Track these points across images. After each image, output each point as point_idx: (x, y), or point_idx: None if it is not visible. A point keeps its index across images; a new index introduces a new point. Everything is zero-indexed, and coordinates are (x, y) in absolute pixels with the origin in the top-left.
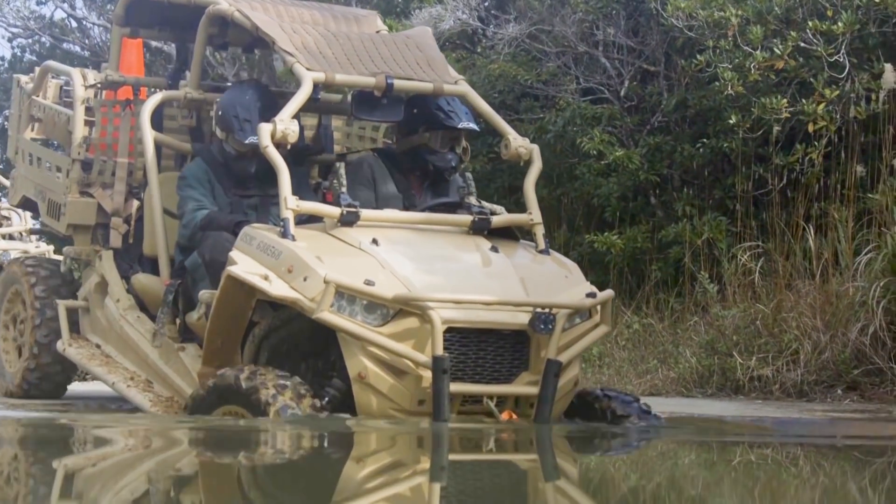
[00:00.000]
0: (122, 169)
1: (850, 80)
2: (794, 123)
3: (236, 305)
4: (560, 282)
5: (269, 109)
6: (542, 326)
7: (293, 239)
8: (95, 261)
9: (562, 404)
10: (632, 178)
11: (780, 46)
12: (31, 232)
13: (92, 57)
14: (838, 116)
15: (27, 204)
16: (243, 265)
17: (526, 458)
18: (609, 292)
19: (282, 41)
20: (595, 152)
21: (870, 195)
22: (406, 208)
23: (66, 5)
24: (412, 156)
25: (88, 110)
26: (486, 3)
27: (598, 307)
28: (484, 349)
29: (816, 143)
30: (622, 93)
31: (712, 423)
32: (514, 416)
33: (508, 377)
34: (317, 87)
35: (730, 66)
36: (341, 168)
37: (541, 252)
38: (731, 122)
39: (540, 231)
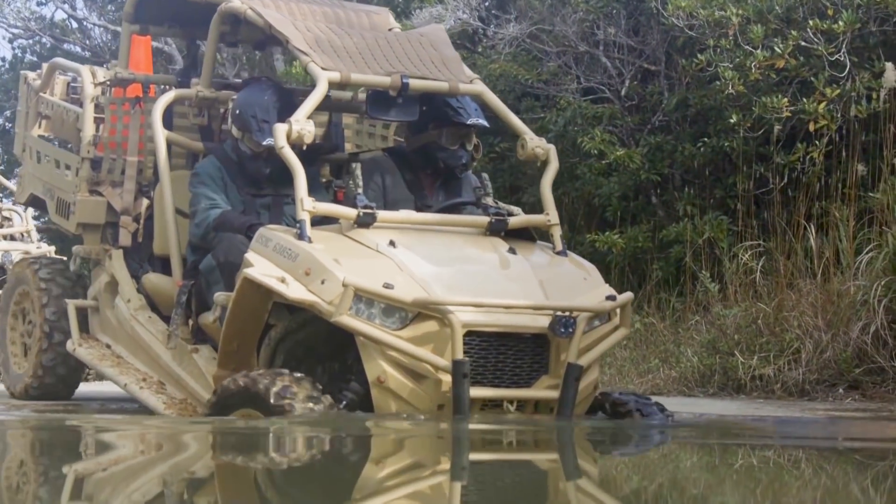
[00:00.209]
0: (131, 167)
1: (851, 78)
2: (794, 122)
3: (252, 308)
4: (579, 284)
5: (287, 109)
6: (563, 330)
7: (310, 241)
8: (105, 260)
9: (581, 408)
10: (633, 178)
11: (781, 45)
12: (42, 230)
13: (93, 58)
14: (839, 115)
15: (35, 202)
16: (259, 267)
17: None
18: (629, 295)
19: (295, 40)
20: (596, 152)
21: (871, 194)
22: (418, 208)
23: (66, 6)
24: (422, 154)
25: (97, 108)
26: (487, 3)
27: (618, 309)
28: (503, 353)
29: (817, 142)
30: (623, 92)
31: (729, 424)
32: None
33: (528, 381)
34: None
35: (730, 66)
36: (357, 168)
37: (558, 253)
38: (731, 121)
39: (557, 232)
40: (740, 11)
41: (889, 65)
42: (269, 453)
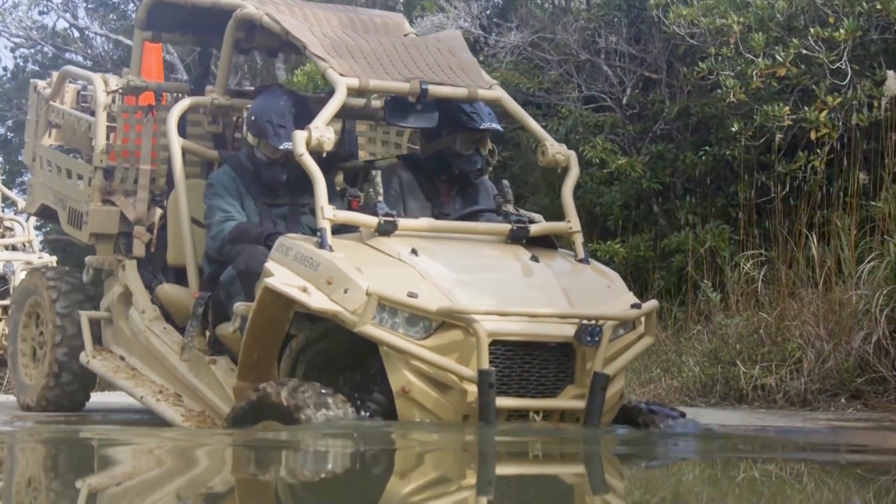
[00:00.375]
0: (144, 176)
1: (853, 87)
2: (796, 131)
3: (273, 318)
4: (603, 292)
5: (303, 115)
6: (589, 339)
7: (331, 249)
8: (118, 270)
9: (607, 417)
10: (634, 187)
11: (782, 54)
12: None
13: (94, 67)
14: (840, 124)
15: (45, 212)
16: (280, 277)
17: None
18: (654, 303)
19: (313, 45)
20: (597, 161)
21: (872, 203)
22: (435, 216)
23: (68, 15)
24: (437, 160)
25: (109, 116)
26: (489, 12)
27: (642, 318)
28: (529, 362)
29: (819, 151)
30: (624, 101)
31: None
32: None
33: (553, 391)
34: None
35: (732, 74)
36: (378, 176)
37: (580, 261)
38: (733, 129)
39: (579, 239)
40: (741, 19)
41: (890, 73)
42: (292, 464)
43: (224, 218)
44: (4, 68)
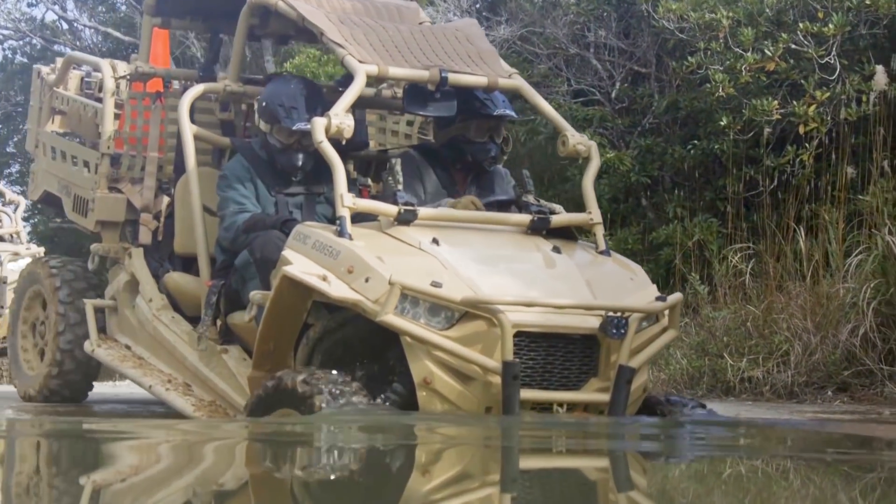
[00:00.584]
0: (151, 163)
1: (841, 81)
2: (784, 125)
3: (291, 307)
4: (626, 284)
5: (315, 99)
6: (615, 331)
7: (350, 238)
8: (124, 259)
9: (630, 412)
10: (623, 180)
11: (771, 48)
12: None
13: None
14: (829, 118)
15: (48, 199)
16: (299, 265)
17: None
18: (678, 296)
19: (330, 32)
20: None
21: (860, 197)
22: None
23: (57, 7)
24: (451, 148)
25: (115, 103)
26: (478, 5)
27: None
28: (552, 354)
29: (807, 145)
30: (613, 94)
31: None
32: None
33: (577, 383)
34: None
35: (721, 68)
36: (397, 164)
37: (601, 252)
38: (722, 123)
39: (600, 231)
40: (731, 14)
41: (879, 68)
42: (307, 458)
43: (238, 210)
44: None
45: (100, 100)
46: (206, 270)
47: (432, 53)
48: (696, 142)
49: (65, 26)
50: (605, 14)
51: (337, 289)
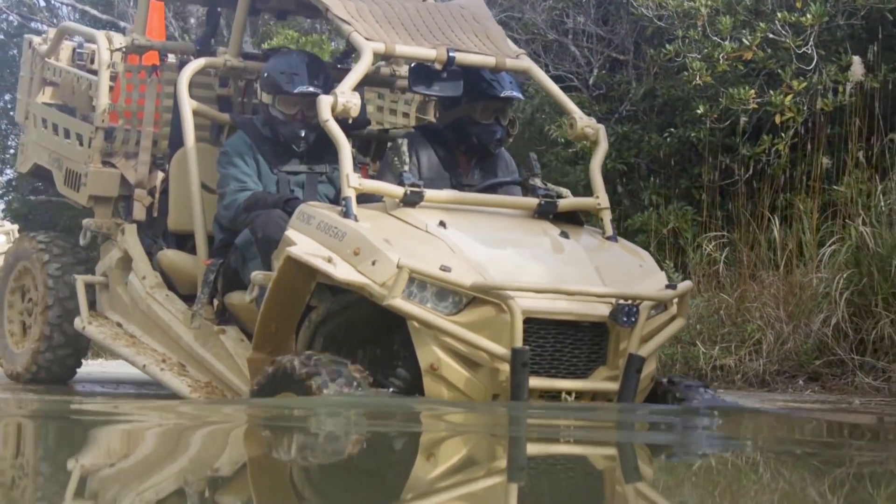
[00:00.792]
0: (146, 138)
1: (818, 72)
2: (761, 114)
3: (294, 288)
4: (635, 270)
5: (317, 67)
6: (626, 319)
7: (356, 219)
8: (117, 235)
9: (638, 401)
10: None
11: (749, 37)
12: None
13: None
14: (805, 108)
15: (38, 172)
16: (303, 246)
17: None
18: (688, 284)
19: (335, 7)
20: (563, 140)
21: (835, 187)
22: (454, 187)
23: None
24: (455, 130)
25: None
26: None
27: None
28: (561, 342)
29: (783, 135)
30: (591, 81)
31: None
32: None
33: (585, 372)
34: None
35: (698, 56)
36: (403, 145)
37: (608, 238)
38: (698, 112)
39: (608, 216)
40: (709, 2)
41: (856, 58)
42: (307, 444)
43: (239, 188)
44: None
45: (91, 71)
46: (204, 248)
47: (439, 31)
48: (672, 129)
49: (42, 3)
50: (583, 1)
51: (343, 271)
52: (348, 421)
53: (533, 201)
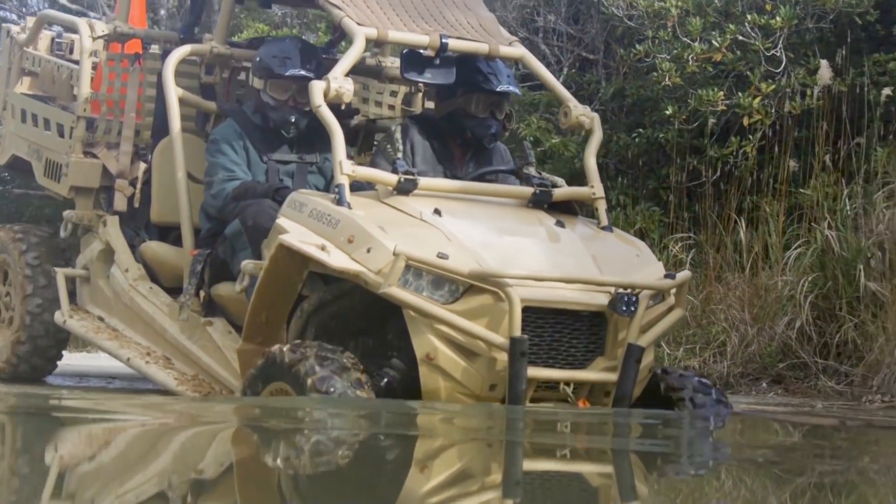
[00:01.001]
0: (129, 128)
1: (787, 74)
2: (729, 116)
3: (286, 277)
4: (632, 260)
5: (309, 52)
6: (625, 308)
7: (349, 207)
8: (98, 226)
9: (636, 391)
10: (567, 166)
11: (719, 39)
12: None
13: None
14: (773, 111)
15: (17, 164)
16: (296, 234)
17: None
18: (687, 274)
19: None
20: (532, 139)
21: (801, 190)
22: (447, 178)
23: None
24: (451, 122)
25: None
26: None
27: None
28: (560, 331)
29: (751, 137)
30: (561, 80)
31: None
32: (588, 406)
33: (583, 362)
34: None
35: (668, 57)
36: (397, 132)
37: (603, 228)
38: (667, 112)
39: (603, 206)
40: (679, 3)
41: (823, 62)
42: (290, 440)
43: (227, 177)
44: None
45: (71, 61)
46: (190, 239)
47: (431, 18)
48: (641, 130)
49: None
50: None
51: (337, 259)
52: (339, 423)
53: (528, 190)
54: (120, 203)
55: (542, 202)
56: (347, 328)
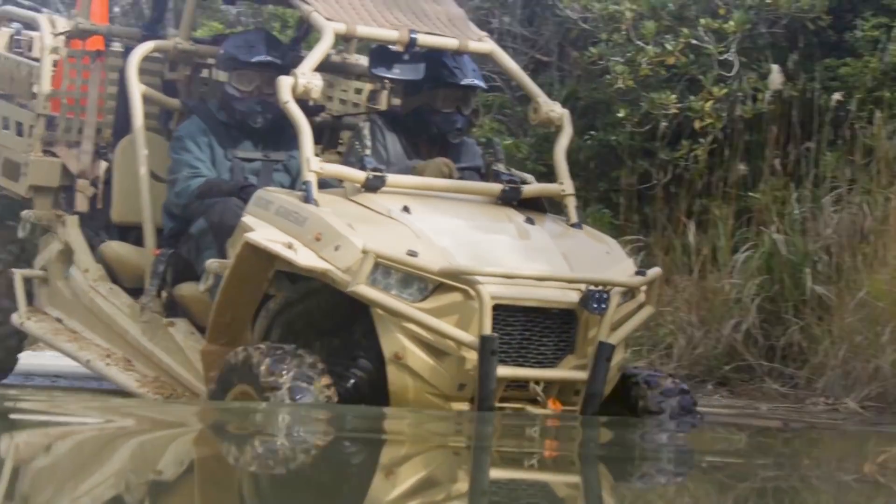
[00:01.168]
0: (90, 126)
1: (739, 79)
2: (681, 119)
3: (252, 276)
4: (602, 257)
5: (274, 43)
6: (596, 305)
7: (317, 204)
8: (58, 227)
9: (607, 389)
10: (519, 168)
11: (672, 42)
12: None
13: None
14: (725, 114)
15: None
16: (261, 232)
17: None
18: (658, 270)
19: None
20: (484, 140)
21: (751, 194)
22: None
23: None
24: (417, 118)
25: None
26: None
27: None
28: (530, 329)
29: (702, 140)
30: (514, 82)
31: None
32: (559, 405)
33: (553, 360)
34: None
35: (622, 60)
36: (365, 129)
37: (573, 226)
38: (619, 115)
39: (572, 203)
40: (634, 7)
41: (774, 67)
42: (249, 446)
43: (191, 174)
44: None
45: (31, 58)
46: (152, 239)
47: (400, 13)
48: (593, 132)
49: None
50: (510, 1)
51: (304, 257)
52: (302, 427)
53: (496, 187)
54: (82, 203)
55: (512, 199)
56: (314, 328)
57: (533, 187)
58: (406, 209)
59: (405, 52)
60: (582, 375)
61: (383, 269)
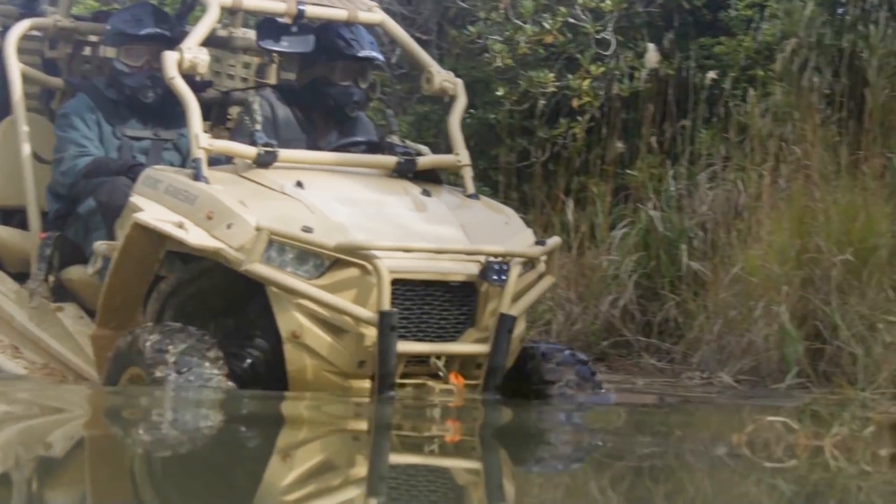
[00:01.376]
0: None
1: (616, 57)
2: (559, 98)
3: (142, 258)
4: (501, 228)
5: (161, 16)
6: (496, 277)
7: (207, 182)
8: None
9: (509, 362)
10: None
11: (550, 21)
12: None
13: None
14: (602, 93)
15: None
16: (151, 211)
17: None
18: (557, 240)
19: None
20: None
21: (628, 171)
22: (310, 149)
23: None
24: (312, 91)
25: None
26: None
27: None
28: (429, 303)
29: (580, 119)
30: (393, 60)
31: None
32: (461, 380)
33: (453, 334)
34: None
35: (500, 39)
36: (255, 103)
37: (470, 196)
38: (498, 94)
39: (469, 173)
40: None
41: (650, 45)
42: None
43: (79, 153)
44: None
45: None
46: (37, 222)
47: None
48: (472, 111)
49: None
50: None
51: (195, 236)
52: (194, 411)
53: (391, 159)
54: None
55: (407, 171)
56: (207, 309)
57: (428, 159)
58: (299, 184)
59: (293, 24)
60: (484, 349)
61: (278, 246)
